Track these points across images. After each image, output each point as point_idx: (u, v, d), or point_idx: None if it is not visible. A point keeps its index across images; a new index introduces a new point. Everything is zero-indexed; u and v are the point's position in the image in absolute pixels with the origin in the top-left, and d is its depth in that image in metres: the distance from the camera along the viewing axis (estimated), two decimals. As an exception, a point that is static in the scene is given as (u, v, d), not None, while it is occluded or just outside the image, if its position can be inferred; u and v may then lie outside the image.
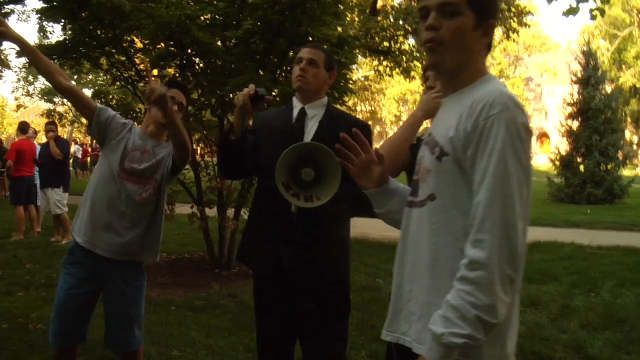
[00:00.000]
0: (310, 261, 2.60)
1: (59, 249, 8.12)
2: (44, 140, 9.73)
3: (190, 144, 3.05)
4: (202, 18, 5.97)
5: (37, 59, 2.92)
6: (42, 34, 21.65)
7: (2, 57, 28.43)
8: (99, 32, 6.14)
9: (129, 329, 3.08)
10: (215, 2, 6.01)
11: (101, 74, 7.10)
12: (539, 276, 6.83)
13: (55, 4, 5.81)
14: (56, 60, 6.18)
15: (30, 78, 38.99)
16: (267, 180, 2.69)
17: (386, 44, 19.67)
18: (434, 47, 1.61)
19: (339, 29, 6.33)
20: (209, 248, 7.18)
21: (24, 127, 10.02)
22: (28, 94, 38.91)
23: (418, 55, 20.72)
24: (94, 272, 3.00)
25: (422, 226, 1.63)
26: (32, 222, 9.86)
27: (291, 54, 6.20)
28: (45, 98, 36.37)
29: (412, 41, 20.39)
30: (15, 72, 38.10)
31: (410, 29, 18.15)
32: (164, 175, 3.07)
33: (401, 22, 18.26)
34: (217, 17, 5.83)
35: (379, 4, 21.38)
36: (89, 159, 31.03)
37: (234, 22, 5.74)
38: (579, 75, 17.38)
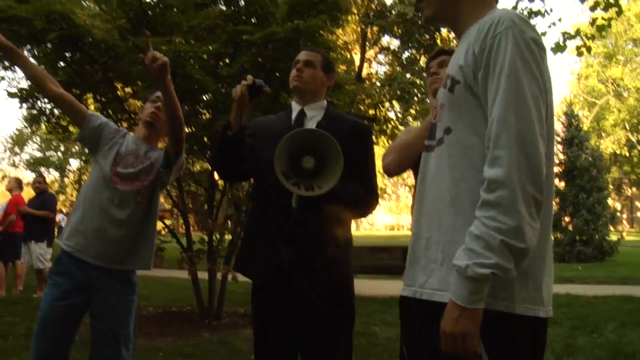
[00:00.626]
0: (310, 261, 2.46)
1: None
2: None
3: (183, 124, 2.89)
4: (193, 61, 6.01)
5: (26, 64, 2.85)
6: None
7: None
8: (90, 74, 6.13)
9: (116, 348, 2.86)
10: (208, 46, 6.07)
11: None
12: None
13: (49, 45, 5.82)
14: (48, 105, 6.16)
15: (16, 149, 39.12)
16: (264, 182, 2.60)
17: (372, 111, 20.01)
18: (420, 5, 1.63)
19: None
20: (198, 296, 6.94)
21: (20, 183, 9.91)
22: (13, 165, 38.84)
23: (402, 119, 21.10)
24: (81, 282, 2.82)
25: (440, 165, 1.53)
26: (15, 279, 9.57)
27: (285, 95, 6.23)
28: (30, 168, 36.37)
29: (397, 107, 20.81)
30: (2, 142, 38.27)
31: (395, 95, 18.52)
32: (158, 177, 2.96)
33: (387, 88, 18.57)
34: (210, 56, 5.84)
35: (364, 72, 21.91)
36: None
37: (227, 60, 5.77)
38: (562, 135, 17.68)
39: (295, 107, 2.71)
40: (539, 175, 1.33)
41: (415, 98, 18.36)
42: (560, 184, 17.36)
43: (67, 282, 2.82)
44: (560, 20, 7.50)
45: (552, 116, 1.49)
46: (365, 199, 2.60)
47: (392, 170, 2.55)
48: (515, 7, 7.16)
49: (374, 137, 15.27)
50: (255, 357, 2.63)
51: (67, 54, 6.02)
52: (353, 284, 2.65)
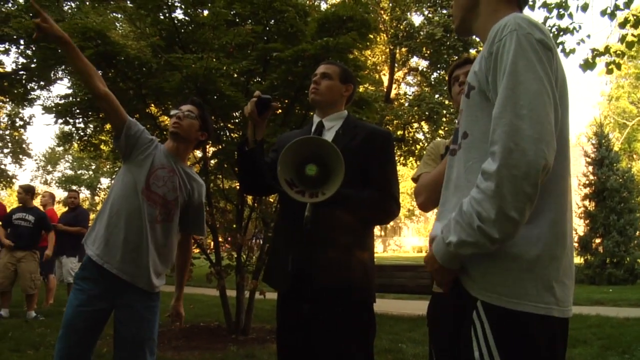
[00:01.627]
0: (326, 269, 2.47)
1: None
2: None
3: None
4: (224, 78, 6.12)
5: (78, 58, 2.75)
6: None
7: (24, 145, 29.15)
8: (123, 91, 6.28)
9: (139, 353, 2.92)
10: (238, 63, 6.18)
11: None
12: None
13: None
14: (80, 118, 6.30)
15: (49, 167, 39.86)
16: (281, 193, 2.65)
17: (400, 132, 20.00)
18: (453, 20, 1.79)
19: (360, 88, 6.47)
20: (226, 310, 6.98)
21: (53, 199, 10.16)
22: (46, 183, 39.54)
23: (431, 140, 21.02)
24: (105, 289, 2.88)
25: (459, 168, 1.58)
26: (47, 292, 9.73)
27: (311, 113, 6.30)
28: (62, 186, 37.00)
29: (425, 128, 20.78)
30: (35, 160, 38.97)
31: (423, 115, 18.49)
32: (183, 206, 3.06)
33: (415, 109, 18.53)
34: (240, 73, 5.96)
35: (393, 93, 21.95)
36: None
37: (258, 78, 5.88)
38: (592, 156, 17.41)
39: (316, 120, 2.77)
40: (534, 171, 1.34)
41: (444, 119, 18.30)
42: (590, 205, 17.06)
43: (92, 288, 2.87)
44: (589, 36, 7.40)
45: (567, 117, 1.51)
46: (383, 205, 2.60)
47: (428, 208, 2.59)
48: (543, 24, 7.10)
49: (402, 157, 15.05)
50: None
51: (101, 72, 6.17)
52: (372, 289, 2.64)
